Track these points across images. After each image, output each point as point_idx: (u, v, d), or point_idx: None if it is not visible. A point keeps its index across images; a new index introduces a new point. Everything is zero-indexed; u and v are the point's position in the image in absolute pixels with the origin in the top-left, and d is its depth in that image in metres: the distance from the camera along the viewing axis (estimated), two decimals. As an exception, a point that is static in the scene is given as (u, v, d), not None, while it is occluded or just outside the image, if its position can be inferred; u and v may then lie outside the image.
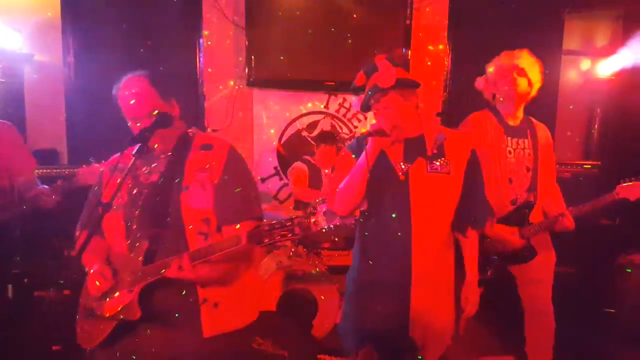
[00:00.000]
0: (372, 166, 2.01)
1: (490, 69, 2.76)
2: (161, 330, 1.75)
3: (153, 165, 1.84)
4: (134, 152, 1.64)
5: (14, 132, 3.01)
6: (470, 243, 2.15)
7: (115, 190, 1.65)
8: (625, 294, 3.65)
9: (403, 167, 2.03)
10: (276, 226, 1.50)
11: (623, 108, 4.33)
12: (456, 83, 4.28)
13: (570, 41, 4.48)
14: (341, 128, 4.45)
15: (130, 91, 1.75)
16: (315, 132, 4.39)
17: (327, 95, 4.39)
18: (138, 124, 1.75)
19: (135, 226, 1.77)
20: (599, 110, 4.57)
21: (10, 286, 3.58)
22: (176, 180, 1.78)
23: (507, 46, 3.95)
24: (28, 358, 3.11)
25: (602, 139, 4.57)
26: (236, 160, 1.86)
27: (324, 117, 4.43)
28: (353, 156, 2.12)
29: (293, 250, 3.71)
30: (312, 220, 3.74)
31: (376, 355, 2.10)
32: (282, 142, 4.43)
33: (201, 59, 4.21)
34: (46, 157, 4.07)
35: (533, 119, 2.83)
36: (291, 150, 4.40)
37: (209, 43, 4.22)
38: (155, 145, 1.80)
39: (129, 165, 1.65)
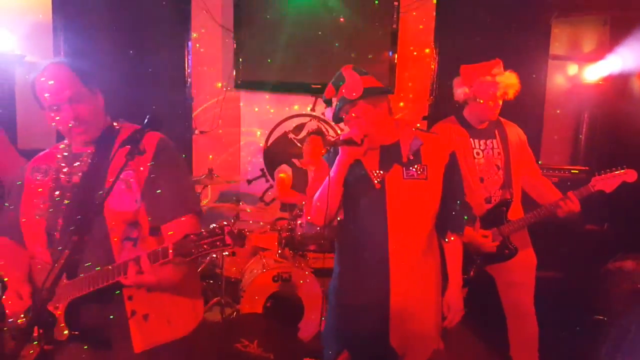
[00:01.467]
0: (348, 175, 1.98)
1: (467, 87, 2.76)
2: (90, 349, 1.61)
3: (75, 165, 1.68)
4: (126, 155, 1.53)
5: (1, 135, 3.02)
6: (452, 249, 2.11)
7: (39, 198, 1.56)
8: (614, 300, 3.65)
9: (379, 174, 1.99)
10: (204, 236, 1.39)
11: (610, 113, 4.34)
12: (442, 87, 4.28)
13: (558, 46, 4.50)
14: (327, 130, 4.46)
15: (49, 77, 1.61)
16: (302, 134, 4.41)
17: (313, 98, 4.42)
18: (57, 118, 1.62)
19: (57, 234, 1.59)
20: (586, 115, 4.58)
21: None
22: (98, 182, 1.62)
23: (493, 51, 3.97)
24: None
25: (590, 144, 4.57)
26: (166, 150, 1.69)
27: (311, 120, 4.45)
28: (329, 166, 2.07)
29: (279, 252, 3.72)
30: (299, 222, 3.73)
31: None
32: (269, 144, 4.44)
33: (190, 61, 4.24)
34: (36, 157, 4.08)
35: (502, 119, 2.87)
36: (278, 152, 4.42)
37: (198, 46, 4.25)
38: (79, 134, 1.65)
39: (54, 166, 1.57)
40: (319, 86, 4.11)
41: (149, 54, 4.07)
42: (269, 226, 3.95)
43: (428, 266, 2.07)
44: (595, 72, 4.46)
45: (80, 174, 1.66)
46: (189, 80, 4.24)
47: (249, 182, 4.45)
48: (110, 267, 1.50)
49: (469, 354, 3.50)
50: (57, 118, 1.61)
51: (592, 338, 3.43)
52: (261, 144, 4.42)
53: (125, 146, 1.58)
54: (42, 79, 1.62)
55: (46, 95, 1.60)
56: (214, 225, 1.39)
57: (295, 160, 4.06)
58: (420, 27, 4.34)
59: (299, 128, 4.45)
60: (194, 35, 4.23)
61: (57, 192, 1.65)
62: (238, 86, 4.15)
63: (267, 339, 3.02)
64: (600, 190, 2.68)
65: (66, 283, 1.55)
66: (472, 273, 2.81)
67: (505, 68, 2.77)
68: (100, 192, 1.58)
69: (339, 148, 1.96)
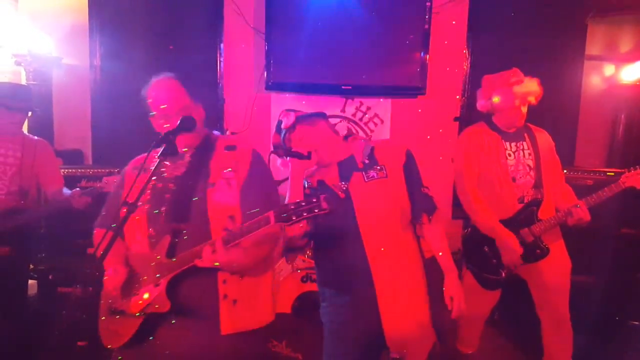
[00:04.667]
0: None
1: (496, 98, 2.79)
2: (182, 324, 1.76)
3: (178, 163, 1.88)
4: (158, 154, 1.66)
5: (48, 149, 3.26)
6: (434, 237, 2.15)
7: (141, 190, 1.65)
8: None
9: (341, 186, 2.11)
10: (302, 204, 1.52)
11: (648, 115, 4.24)
12: (474, 88, 4.15)
13: (594, 46, 4.39)
14: (357, 132, 4.44)
15: (162, 90, 1.84)
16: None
17: (343, 99, 4.40)
18: (166, 125, 1.81)
19: (160, 222, 1.78)
20: (622, 116, 4.44)
21: (35, 282, 3.71)
22: (202, 177, 1.81)
23: (527, 51, 3.93)
24: (53, 353, 3.21)
25: (626, 146, 4.44)
26: (260, 161, 1.92)
27: (341, 121, 4.42)
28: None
29: (308, 253, 3.73)
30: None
31: None
32: (299, 145, 4.45)
33: (222, 63, 4.28)
34: (71, 157, 4.19)
35: (531, 125, 2.89)
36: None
37: (230, 48, 4.29)
38: (184, 149, 1.86)
39: (155, 166, 1.66)
40: (350, 87, 4.09)
41: (182, 56, 4.14)
42: (298, 227, 3.97)
43: (411, 262, 2.12)
44: (632, 73, 4.33)
45: (183, 169, 1.86)
46: (221, 81, 4.29)
47: (279, 183, 4.47)
48: (192, 250, 1.67)
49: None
50: (166, 125, 1.81)
51: (627, 344, 3.36)
52: (291, 146, 4.44)
53: (224, 151, 1.87)
54: (156, 91, 1.85)
55: (158, 107, 1.82)
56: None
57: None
58: (453, 27, 4.28)
59: (330, 129, 4.45)
60: (226, 37, 4.26)
61: (160, 184, 1.84)
62: (269, 87, 4.15)
63: (296, 339, 3.05)
64: (631, 187, 2.67)
65: (167, 261, 1.72)
66: (503, 274, 2.80)
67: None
68: (206, 186, 1.79)
69: (289, 161, 2.15)
